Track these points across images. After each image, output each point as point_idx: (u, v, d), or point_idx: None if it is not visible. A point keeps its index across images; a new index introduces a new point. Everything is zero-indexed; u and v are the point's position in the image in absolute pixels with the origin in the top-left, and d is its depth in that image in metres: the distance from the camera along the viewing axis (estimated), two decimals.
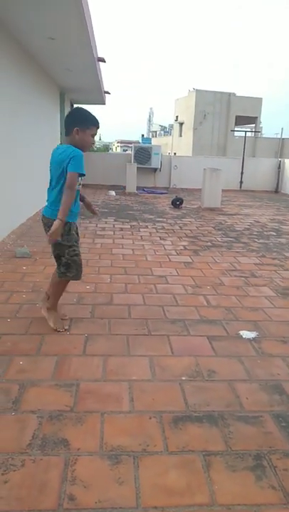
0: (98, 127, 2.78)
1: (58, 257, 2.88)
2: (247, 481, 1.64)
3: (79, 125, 2.70)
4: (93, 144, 2.87)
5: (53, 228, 2.57)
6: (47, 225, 2.78)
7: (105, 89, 11.12)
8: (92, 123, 2.74)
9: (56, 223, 2.57)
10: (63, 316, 3.11)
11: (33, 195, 7.39)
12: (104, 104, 13.16)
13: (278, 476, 1.67)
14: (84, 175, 2.67)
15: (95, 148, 22.01)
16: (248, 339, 2.91)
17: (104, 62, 7.92)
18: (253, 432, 1.94)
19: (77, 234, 2.94)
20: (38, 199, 7.88)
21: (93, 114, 2.79)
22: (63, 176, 2.67)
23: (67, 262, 2.83)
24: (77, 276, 2.93)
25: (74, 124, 2.71)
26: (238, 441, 1.87)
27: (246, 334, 2.98)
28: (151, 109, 58.65)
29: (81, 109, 2.85)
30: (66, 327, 2.96)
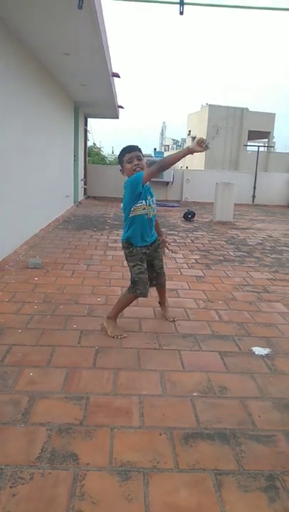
0: (129, 151, 2.93)
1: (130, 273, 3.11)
2: (260, 503, 1.59)
3: (120, 165, 3.01)
4: (135, 166, 2.90)
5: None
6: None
7: (119, 104, 11.27)
8: (122, 154, 2.96)
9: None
10: (168, 317, 3.43)
11: (46, 207, 7.48)
12: (117, 118, 13.32)
13: None
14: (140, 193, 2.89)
15: (108, 162, 22.20)
16: (261, 356, 2.86)
17: (119, 77, 8.05)
18: (265, 451, 1.89)
19: (144, 254, 3.08)
20: (51, 210, 7.98)
21: (126, 146, 2.99)
22: (126, 204, 2.97)
23: (134, 279, 3.04)
24: (144, 294, 3.07)
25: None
26: (250, 461, 1.82)
27: (259, 351, 2.93)
28: (164, 123, 59.32)
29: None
30: (125, 335, 3.03)
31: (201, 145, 2.65)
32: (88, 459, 1.78)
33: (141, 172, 2.86)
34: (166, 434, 1.97)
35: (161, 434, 1.97)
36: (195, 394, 2.33)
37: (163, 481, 1.68)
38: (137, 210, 2.92)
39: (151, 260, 3.15)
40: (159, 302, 3.51)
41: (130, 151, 2.92)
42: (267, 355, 2.86)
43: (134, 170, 2.90)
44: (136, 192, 2.87)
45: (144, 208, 2.94)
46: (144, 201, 2.92)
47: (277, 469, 1.78)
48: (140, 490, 1.63)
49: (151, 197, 3.02)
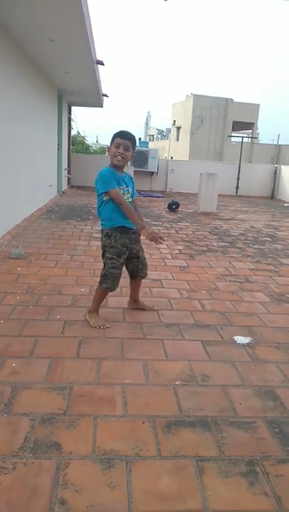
0: (122, 137, 2.89)
1: (103, 265, 3.08)
2: (240, 488, 1.63)
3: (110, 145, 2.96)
4: (118, 153, 2.89)
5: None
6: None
7: (103, 92, 11.14)
8: (115, 136, 2.91)
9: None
10: (151, 307, 3.42)
11: (29, 196, 7.38)
12: (101, 106, 13.18)
13: (271, 483, 1.66)
14: (107, 192, 2.88)
15: (92, 151, 21.97)
16: (242, 344, 2.91)
17: (103, 65, 7.95)
18: (246, 437, 1.94)
19: (126, 248, 3.03)
20: (34, 200, 7.88)
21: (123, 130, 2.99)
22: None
23: (105, 273, 3.03)
24: (111, 289, 3.08)
25: None
26: (231, 447, 1.86)
27: (240, 339, 2.98)
28: (148, 112, 58.93)
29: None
30: (108, 325, 3.04)
31: (154, 240, 2.76)
32: (71, 448, 1.79)
33: (107, 173, 2.88)
34: (148, 423, 1.99)
35: (144, 423, 1.99)
36: (178, 382, 2.36)
37: (145, 469, 1.70)
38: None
39: (136, 253, 3.13)
40: (133, 299, 3.42)
41: (123, 138, 2.89)
42: (248, 344, 2.91)
43: (115, 156, 2.89)
44: (103, 190, 2.89)
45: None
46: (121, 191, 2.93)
47: (257, 455, 1.82)
48: (123, 477, 1.65)
49: (126, 186, 3.00)
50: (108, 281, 3.02)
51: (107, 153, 3.16)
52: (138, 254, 3.16)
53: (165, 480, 1.65)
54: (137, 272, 3.22)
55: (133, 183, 3.16)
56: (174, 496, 1.58)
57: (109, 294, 3.23)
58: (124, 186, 2.99)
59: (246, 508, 1.54)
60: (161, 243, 2.83)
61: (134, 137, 2.99)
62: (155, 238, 2.75)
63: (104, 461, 1.72)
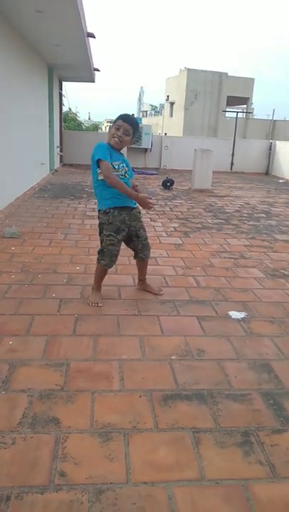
0: (124, 120, 2.87)
1: (100, 242, 3.09)
2: (235, 457, 1.67)
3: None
4: (116, 136, 2.88)
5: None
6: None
7: (95, 67, 10.86)
8: (118, 117, 2.90)
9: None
10: (157, 291, 3.32)
11: (21, 175, 7.28)
12: (93, 81, 12.87)
13: (265, 452, 1.70)
14: (100, 160, 2.84)
15: (84, 128, 21.60)
16: (237, 319, 2.93)
17: (94, 37, 7.71)
18: (241, 409, 1.97)
19: (125, 225, 3.01)
20: (26, 178, 7.77)
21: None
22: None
23: (103, 249, 3.03)
24: (109, 265, 3.07)
25: None
26: (226, 419, 1.90)
27: (235, 314, 3.00)
28: (141, 88, 57.70)
29: None
30: (101, 304, 3.04)
31: (146, 206, 2.90)
32: (70, 423, 1.81)
33: (104, 145, 2.89)
34: (145, 396, 2.02)
35: (140, 397, 2.02)
36: (173, 357, 2.38)
37: (143, 441, 1.74)
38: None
39: (135, 231, 3.09)
40: (140, 279, 3.40)
41: (125, 121, 2.87)
42: (243, 319, 2.94)
43: (113, 137, 2.89)
44: (95, 158, 2.88)
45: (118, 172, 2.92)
46: (115, 167, 2.91)
47: (252, 426, 1.86)
48: (121, 450, 1.68)
49: (122, 162, 2.98)
50: (106, 258, 3.01)
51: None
52: (138, 232, 3.11)
53: (162, 451, 1.68)
54: (137, 253, 3.20)
55: (128, 165, 3.09)
56: (171, 466, 1.61)
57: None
58: (120, 162, 2.95)
59: (241, 476, 1.58)
60: (151, 207, 2.96)
61: (137, 124, 2.95)
62: (146, 203, 2.89)
63: (103, 435, 1.75)
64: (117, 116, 2.92)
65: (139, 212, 3.14)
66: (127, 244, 3.18)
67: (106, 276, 3.22)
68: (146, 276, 3.38)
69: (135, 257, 3.25)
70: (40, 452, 1.64)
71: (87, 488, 1.49)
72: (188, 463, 1.63)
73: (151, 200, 2.94)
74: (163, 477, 1.56)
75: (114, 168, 2.90)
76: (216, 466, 1.63)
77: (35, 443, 1.69)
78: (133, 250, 3.22)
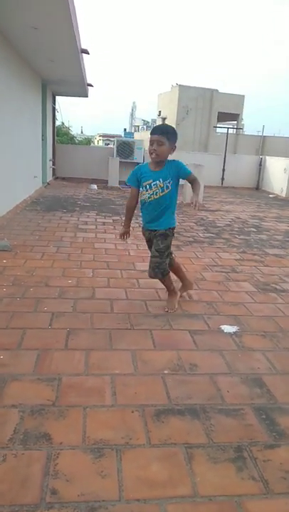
0: (152, 133, 2.97)
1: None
2: (228, 473, 1.66)
3: None
4: (152, 150, 2.98)
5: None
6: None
7: (88, 82, 10.99)
8: (150, 133, 3.02)
9: None
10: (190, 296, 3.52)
11: (13, 187, 7.29)
12: (86, 96, 13.01)
13: (258, 467, 1.70)
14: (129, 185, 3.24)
15: (77, 142, 21.74)
16: (229, 333, 2.94)
17: (88, 54, 7.82)
18: (234, 424, 1.97)
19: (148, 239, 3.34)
20: (18, 191, 7.78)
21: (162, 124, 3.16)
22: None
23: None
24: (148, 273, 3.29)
25: None
26: (219, 434, 1.89)
27: (227, 328, 3.01)
28: (134, 103, 58.60)
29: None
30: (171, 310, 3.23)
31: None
32: (61, 439, 1.79)
33: (134, 169, 3.18)
34: (138, 412, 2.01)
35: (133, 412, 2.00)
36: (166, 371, 2.38)
37: (136, 457, 1.72)
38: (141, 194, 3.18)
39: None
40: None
41: (153, 133, 2.97)
42: (235, 333, 2.95)
43: (150, 154, 3.01)
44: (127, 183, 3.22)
45: (143, 194, 3.13)
46: (142, 188, 3.13)
47: (244, 441, 1.85)
48: (113, 466, 1.66)
49: (154, 180, 3.06)
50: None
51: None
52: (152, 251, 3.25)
53: (155, 467, 1.67)
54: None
55: (178, 168, 3.10)
56: (164, 482, 1.60)
57: (97, 285, 3.24)
58: (152, 181, 3.05)
59: (235, 492, 1.57)
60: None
61: (166, 129, 3.02)
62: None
63: (95, 451, 1.73)
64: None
65: (162, 234, 3.19)
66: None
67: (98, 289, 3.23)
68: (139, 289, 3.38)
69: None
70: (31, 469, 1.62)
71: (79, 506, 1.47)
72: (181, 479, 1.62)
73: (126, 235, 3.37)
74: (156, 494, 1.54)
75: (146, 188, 3.07)
76: (209, 482, 1.61)
77: (26, 459, 1.66)
78: None
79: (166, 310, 3.25)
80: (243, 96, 29.90)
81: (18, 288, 3.55)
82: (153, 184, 3.04)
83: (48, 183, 11.38)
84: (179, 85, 28.19)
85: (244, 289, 3.91)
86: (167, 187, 3.06)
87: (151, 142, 2.94)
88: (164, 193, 3.06)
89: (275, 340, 2.88)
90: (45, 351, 2.52)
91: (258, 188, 14.36)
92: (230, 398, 2.17)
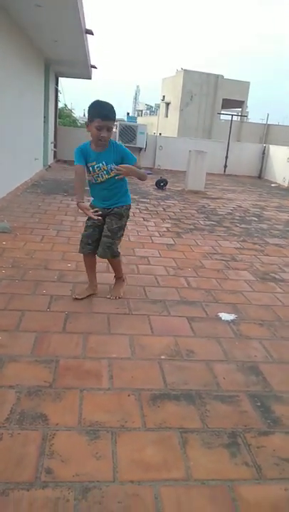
0: (103, 119, 2.67)
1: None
2: (222, 458, 1.68)
3: (88, 119, 2.75)
4: (102, 137, 2.72)
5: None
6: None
7: (92, 63, 10.82)
8: (94, 115, 2.68)
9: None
10: (112, 295, 3.19)
11: (14, 169, 7.22)
12: (90, 78, 12.81)
13: (252, 453, 1.72)
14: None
15: (79, 124, 21.50)
16: (227, 321, 2.95)
17: (92, 34, 7.67)
18: (229, 410, 1.98)
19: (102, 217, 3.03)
20: (19, 173, 7.71)
21: (105, 102, 2.73)
22: None
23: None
24: (80, 251, 3.16)
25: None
26: (214, 420, 1.91)
27: (225, 316, 3.02)
28: (138, 86, 57.69)
29: (94, 101, 2.76)
30: (78, 297, 3.06)
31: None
32: (57, 420, 1.81)
33: (78, 148, 2.87)
34: (134, 395, 2.02)
35: (129, 395, 2.02)
36: (163, 357, 2.39)
37: (131, 440, 1.74)
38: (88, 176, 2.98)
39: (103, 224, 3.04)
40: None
41: (104, 119, 2.66)
42: (233, 321, 2.95)
43: (99, 140, 2.75)
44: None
45: (88, 176, 2.97)
46: (90, 168, 2.90)
47: (239, 427, 1.87)
48: (108, 448, 1.68)
49: (98, 163, 2.85)
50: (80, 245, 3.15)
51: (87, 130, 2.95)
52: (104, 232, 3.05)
53: (150, 450, 1.69)
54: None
55: (122, 154, 2.88)
56: (158, 465, 1.62)
57: (96, 269, 3.22)
58: (95, 163, 2.84)
59: (228, 477, 1.59)
60: (93, 218, 2.90)
61: (114, 113, 2.74)
62: (86, 214, 2.95)
63: (90, 433, 1.75)
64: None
65: (116, 214, 3.06)
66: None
67: (97, 274, 3.23)
68: (139, 275, 3.36)
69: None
70: (27, 449, 1.63)
71: (73, 486, 1.49)
72: (175, 463, 1.64)
73: (92, 214, 2.91)
74: (150, 476, 1.56)
75: (90, 170, 2.90)
76: (203, 466, 1.63)
77: (22, 439, 1.68)
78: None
79: (109, 297, 3.15)
80: (248, 83, 29.50)
81: (17, 270, 3.54)
82: (96, 166, 2.85)
83: (49, 166, 11.28)
84: (184, 70, 27.76)
85: (243, 278, 3.91)
86: (112, 169, 2.83)
87: (100, 127, 2.66)
88: (109, 176, 2.87)
89: (273, 329, 2.89)
90: (43, 333, 2.52)
91: (260, 176, 14.27)
92: (226, 385, 2.19)
